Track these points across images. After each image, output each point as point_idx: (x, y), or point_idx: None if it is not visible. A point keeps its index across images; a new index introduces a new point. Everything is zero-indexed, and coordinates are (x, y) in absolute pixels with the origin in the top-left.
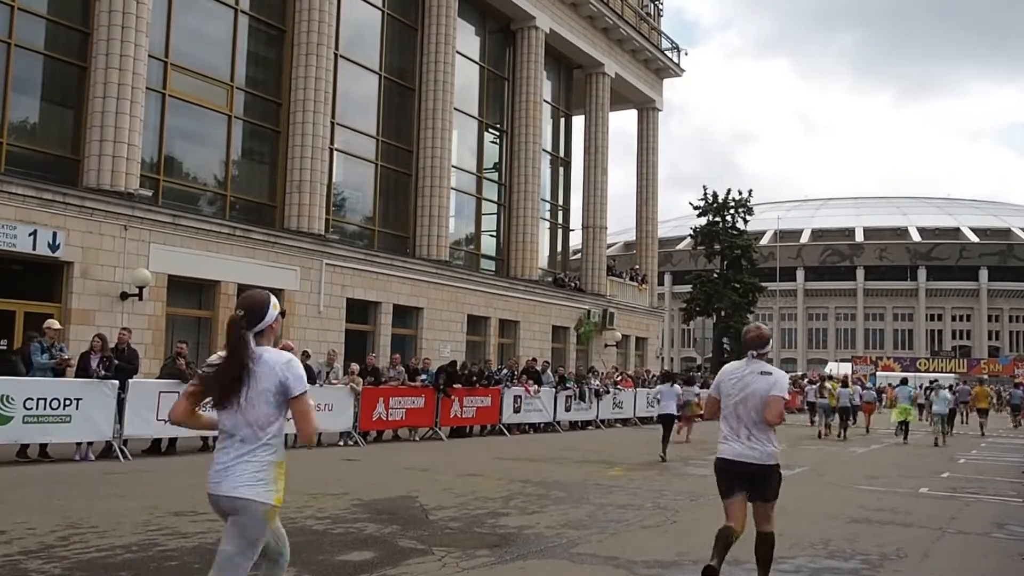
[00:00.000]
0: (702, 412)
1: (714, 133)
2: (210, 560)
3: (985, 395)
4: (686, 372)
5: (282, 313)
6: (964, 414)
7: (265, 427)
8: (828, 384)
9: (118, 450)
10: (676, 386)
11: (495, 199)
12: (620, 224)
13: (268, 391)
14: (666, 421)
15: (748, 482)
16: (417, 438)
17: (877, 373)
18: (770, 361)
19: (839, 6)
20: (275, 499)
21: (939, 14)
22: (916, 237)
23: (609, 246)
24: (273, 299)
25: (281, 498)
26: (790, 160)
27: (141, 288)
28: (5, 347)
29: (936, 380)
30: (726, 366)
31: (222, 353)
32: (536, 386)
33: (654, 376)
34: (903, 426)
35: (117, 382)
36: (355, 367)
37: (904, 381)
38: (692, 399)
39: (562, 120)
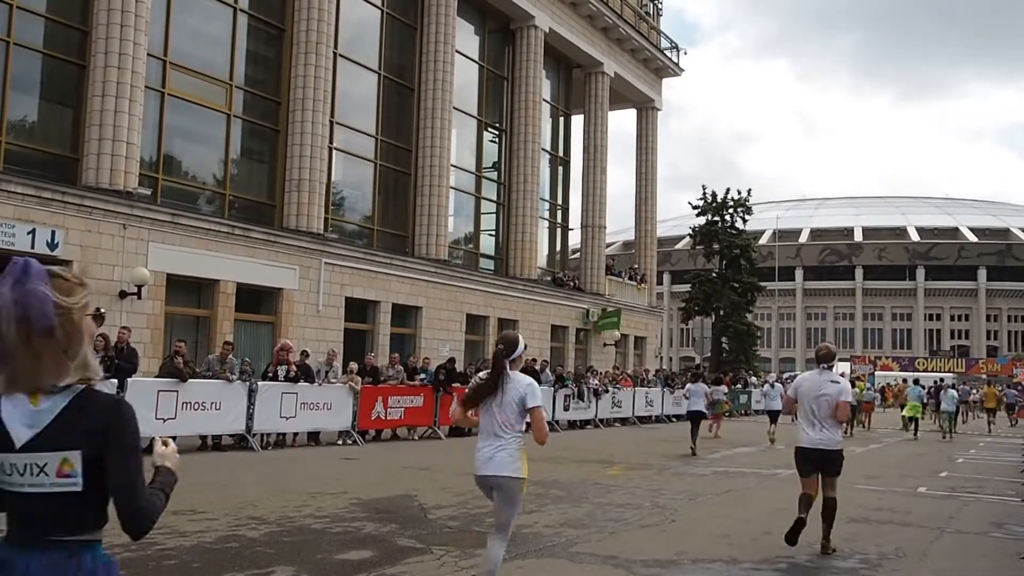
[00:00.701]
0: (728, 410)
1: (714, 134)
2: (208, 559)
3: (993, 395)
4: (713, 373)
5: (525, 347)
6: (964, 413)
7: (513, 426)
8: None
9: None
10: (704, 385)
11: (494, 198)
12: (619, 223)
13: (514, 401)
14: (694, 418)
15: (821, 463)
16: (416, 437)
17: (876, 373)
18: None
19: (839, 7)
20: (524, 474)
21: (939, 15)
22: (915, 237)
23: (608, 245)
24: (521, 338)
25: (527, 473)
26: (790, 161)
27: (140, 287)
28: None
29: (943, 380)
30: (803, 374)
31: (484, 373)
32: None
33: (653, 376)
34: (913, 422)
35: (116, 381)
36: (354, 366)
37: (916, 381)
38: (721, 398)
39: (561, 119)
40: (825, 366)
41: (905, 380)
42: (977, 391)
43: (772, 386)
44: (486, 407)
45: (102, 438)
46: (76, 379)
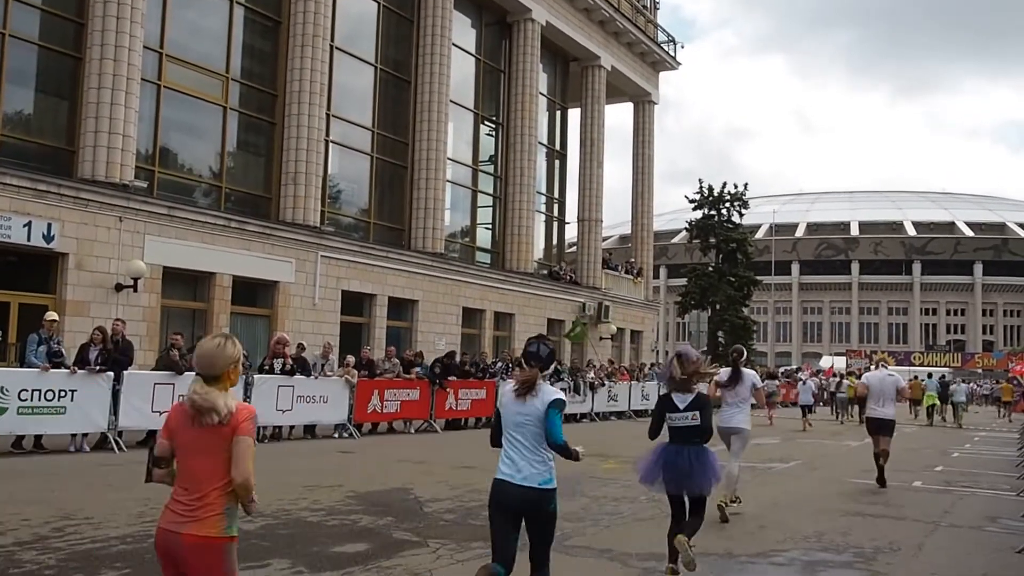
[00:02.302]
0: (780, 400)
1: (710, 130)
2: None
3: (1009, 390)
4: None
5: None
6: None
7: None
8: (847, 379)
9: (113, 442)
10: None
11: (490, 192)
12: (616, 217)
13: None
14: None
15: (884, 428)
16: (412, 430)
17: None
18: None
19: (835, 4)
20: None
21: (934, 12)
22: (911, 231)
23: (604, 239)
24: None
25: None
26: (786, 157)
27: (136, 280)
28: (0, 339)
29: (944, 376)
30: (871, 372)
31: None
32: None
33: (649, 369)
34: (931, 410)
35: (112, 374)
36: (350, 359)
37: (930, 375)
38: (774, 390)
39: (558, 113)
40: (884, 364)
41: (916, 376)
42: (980, 386)
43: (804, 382)
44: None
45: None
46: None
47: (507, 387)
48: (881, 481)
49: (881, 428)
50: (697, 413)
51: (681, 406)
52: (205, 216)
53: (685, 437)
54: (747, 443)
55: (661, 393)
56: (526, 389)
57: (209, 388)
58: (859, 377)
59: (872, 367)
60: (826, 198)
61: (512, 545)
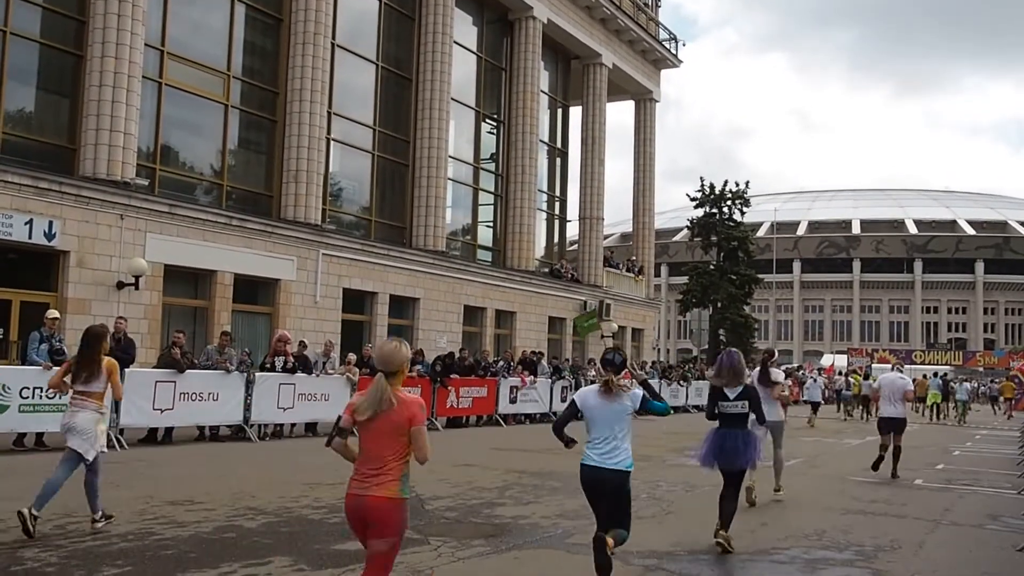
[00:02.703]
0: (794, 398)
1: (712, 128)
2: (205, 549)
3: (1011, 388)
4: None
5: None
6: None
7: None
8: (851, 377)
9: (114, 439)
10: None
11: (492, 190)
12: (617, 216)
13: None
14: (815, 406)
15: (893, 426)
16: None
17: (873, 365)
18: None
19: (836, 3)
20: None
21: (935, 10)
22: (913, 229)
23: (606, 237)
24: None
25: None
26: (787, 155)
27: (137, 277)
28: (1, 336)
29: (946, 374)
30: (885, 375)
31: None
32: (532, 377)
33: (650, 368)
34: (935, 408)
35: None
36: (352, 357)
37: (936, 374)
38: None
39: (559, 111)
40: (899, 368)
41: (925, 375)
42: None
43: (815, 380)
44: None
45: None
46: None
47: (589, 389)
48: (875, 467)
49: (891, 426)
50: (746, 402)
51: (731, 396)
52: (206, 214)
53: (734, 422)
54: (784, 431)
55: (712, 385)
56: (608, 390)
57: (387, 383)
58: (864, 376)
59: (864, 366)
60: (827, 196)
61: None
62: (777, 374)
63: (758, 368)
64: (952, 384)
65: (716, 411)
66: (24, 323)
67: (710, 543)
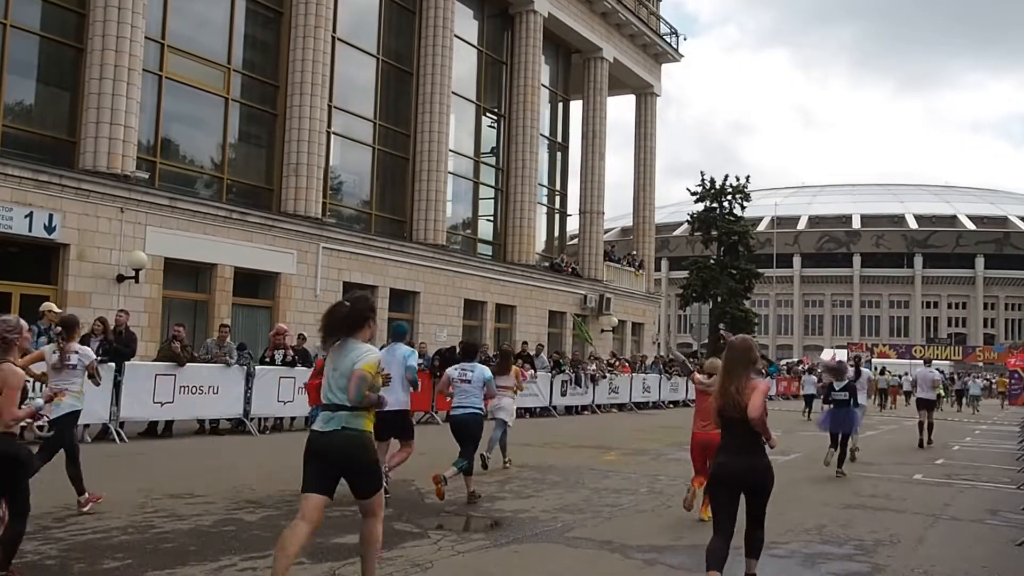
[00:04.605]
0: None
1: (713, 124)
2: (205, 542)
3: (1003, 383)
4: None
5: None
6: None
7: None
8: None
9: (114, 432)
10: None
11: (492, 184)
12: (617, 210)
13: None
14: (808, 399)
15: (927, 405)
16: (413, 422)
17: (873, 360)
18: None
19: (837, 0)
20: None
21: (936, 7)
22: (913, 225)
23: (606, 231)
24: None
25: None
26: (788, 151)
27: (137, 271)
28: None
29: (951, 367)
30: (919, 369)
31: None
32: (532, 371)
33: (651, 363)
34: (938, 401)
35: (114, 365)
36: None
37: (940, 371)
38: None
39: (560, 105)
40: (926, 361)
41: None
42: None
43: (811, 373)
44: None
45: None
46: None
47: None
48: (921, 444)
49: (925, 405)
50: (847, 392)
51: (838, 388)
52: (207, 207)
53: (840, 405)
54: (860, 419)
55: (824, 381)
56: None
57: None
58: (880, 372)
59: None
60: (828, 191)
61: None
62: (867, 372)
63: (853, 368)
64: (968, 380)
65: (829, 397)
66: (24, 316)
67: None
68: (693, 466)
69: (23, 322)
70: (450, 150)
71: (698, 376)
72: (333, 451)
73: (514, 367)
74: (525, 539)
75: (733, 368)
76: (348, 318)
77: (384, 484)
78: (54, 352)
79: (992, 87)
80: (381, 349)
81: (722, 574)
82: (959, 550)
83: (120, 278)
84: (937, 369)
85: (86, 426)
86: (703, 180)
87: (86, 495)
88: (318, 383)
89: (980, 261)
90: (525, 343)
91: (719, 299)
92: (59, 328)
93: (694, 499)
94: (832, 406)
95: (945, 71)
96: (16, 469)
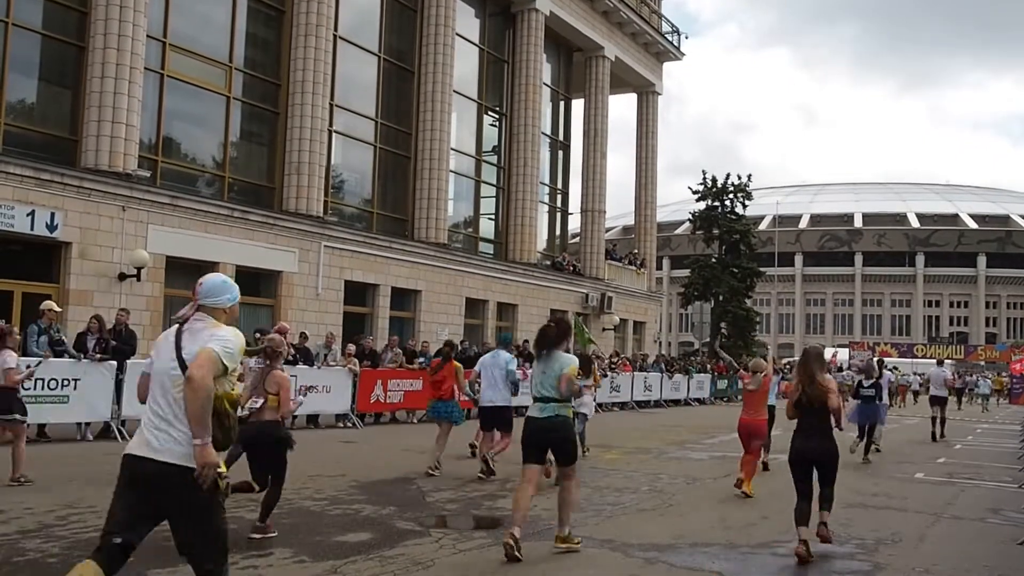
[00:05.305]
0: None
1: (714, 123)
2: None
3: (1001, 382)
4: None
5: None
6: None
7: None
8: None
9: (116, 431)
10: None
11: (494, 182)
12: (619, 209)
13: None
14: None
15: (939, 402)
16: (415, 420)
17: (855, 359)
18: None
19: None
20: None
21: (937, 6)
22: (915, 223)
23: (608, 230)
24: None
25: None
26: (790, 150)
27: (139, 269)
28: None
29: (953, 366)
30: (932, 369)
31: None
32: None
33: (653, 361)
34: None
35: (115, 363)
36: (351, 347)
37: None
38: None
39: (561, 103)
40: (940, 361)
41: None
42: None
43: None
44: None
45: None
46: None
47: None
48: (934, 437)
49: (938, 402)
50: (874, 390)
51: (866, 385)
52: (208, 206)
53: (867, 401)
54: (885, 413)
55: (857, 379)
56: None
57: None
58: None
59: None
60: (829, 189)
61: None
62: (889, 374)
63: (877, 368)
64: (977, 378)
65: (859, 393)
66: (26, 315)
67: (710, 535)
68: (742, 444)
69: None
70: (451, 148)
71: (745, 374)
72: (547, 431)
73: (593, 367)
74: (526, 537)
75: (813, 371)
76: (556, 335)
77: (489, 468)
78: None
79: (992, 86)
80: (487, 354)
81: (808, 527)
82: (961, 549)
83: (122, 276)
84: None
85: (88, 424)
86: (705, 179)
87: None
88: (433, 381)
89: (982, 260)
90: (526, 341)
91: (720, 298)
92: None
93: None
94: (861, 401)
95: (946, 70)
96: (285, 449)
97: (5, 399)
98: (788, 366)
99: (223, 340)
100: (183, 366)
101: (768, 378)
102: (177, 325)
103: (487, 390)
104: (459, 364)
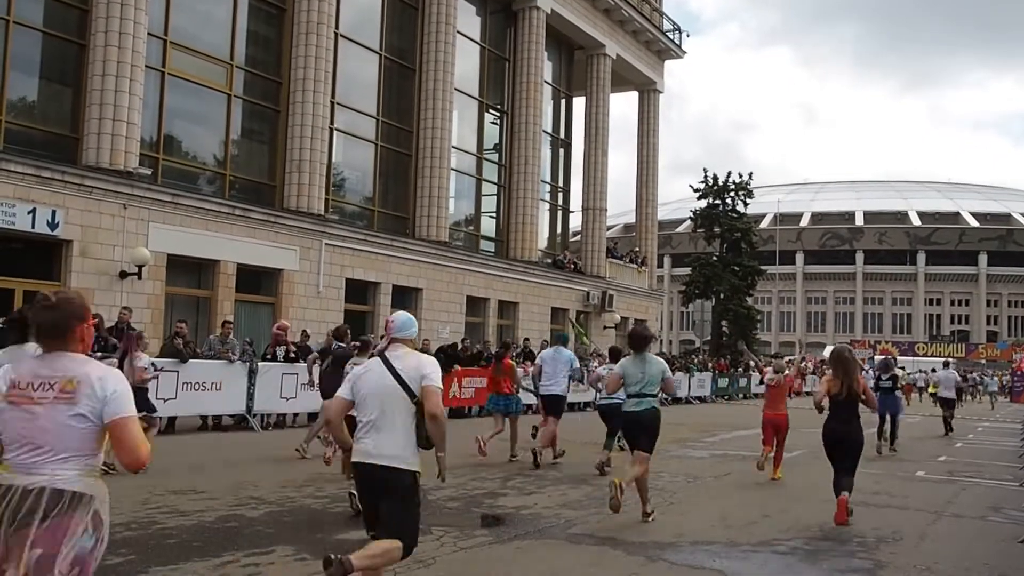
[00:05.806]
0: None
1: (715, 122)
2: (208, 538)
3: (1000, 381)
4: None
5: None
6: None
7: None
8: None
9: None
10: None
11: (495, 180)
12: (620, 207)
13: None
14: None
15: (948, 404)
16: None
17: (875, 357)
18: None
19: None
20: None
21: (938, 5)
22: (916, 221)
23: (609, 228)
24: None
25: None
26: (791, 148)
27: (140, 267)
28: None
29: (953, 364)
30: (941, 371)
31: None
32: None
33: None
34: (933, 397)
35: (117, 360)
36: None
37: (933, 369)
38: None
39: (563, 101)
40: (949, 362)
41: (934, 369)
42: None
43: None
44: None
45: None
46: None
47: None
48: (945, 430)
49: (947, 404)
50: (891, 381)
51: (884, 378)
52: (209, 204)
53: (886, 392)
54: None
55: (876, 374)
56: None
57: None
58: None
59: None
60: (831, 188)
61: None
62: (897, 370)
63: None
64: (985, 378)
65: (878, 385)
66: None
67: (711, 533)
68: (763, 438)
69: None
70: (453, 146)
71: (767, 371)
72: (642, 421)
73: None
74: (527, 535)
75: (848, 368)
76: (645, 339)
77: (553, 454)
78: None
79: (993, 85)
80: (547, 350)
81: (850, 494)
82: (961, 547)
83: (123, 274)
84: (931, 369)
85: None
86: (706, 177)
87: None
88: (495, 379)
89: (983, 258)
90: (527, 340)
91: (722, 296)
92: None
93: (765, 462)
94: (880, 392)
95: (946, 70)
96: None
97: (140, 397)
98: (822, 363)
99: (434, 369)
100: (403, 384)
101: (790, 379)
102: (378, 356)
103: (548, 381)
104: (512, 362)
